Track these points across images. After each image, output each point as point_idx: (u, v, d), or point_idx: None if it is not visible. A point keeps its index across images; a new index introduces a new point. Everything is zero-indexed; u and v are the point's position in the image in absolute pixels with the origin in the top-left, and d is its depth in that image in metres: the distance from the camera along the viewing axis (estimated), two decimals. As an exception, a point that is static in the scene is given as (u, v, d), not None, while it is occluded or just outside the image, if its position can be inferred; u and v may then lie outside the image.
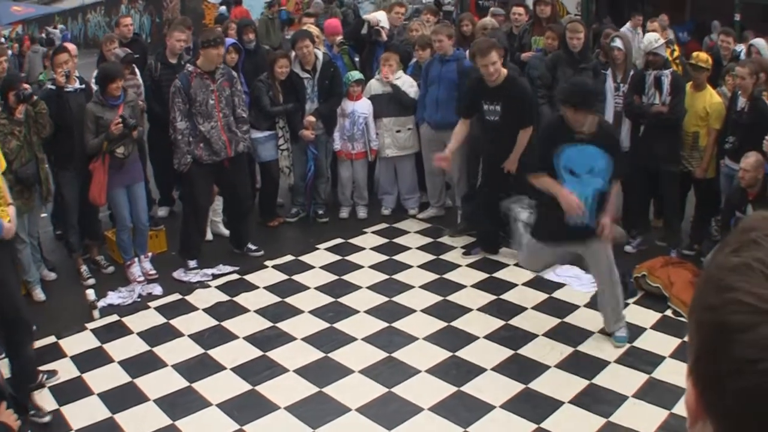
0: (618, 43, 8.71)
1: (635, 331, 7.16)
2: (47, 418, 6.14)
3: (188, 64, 8.77)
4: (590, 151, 6.44)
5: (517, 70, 9.19)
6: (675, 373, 6.37)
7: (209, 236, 9.85)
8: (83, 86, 8.60)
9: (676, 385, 6.18)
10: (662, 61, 8.35)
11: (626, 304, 7.52)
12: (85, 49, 29.34)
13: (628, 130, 8.76)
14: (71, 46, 9.20)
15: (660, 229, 9.17)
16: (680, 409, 5.84)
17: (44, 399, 6.34)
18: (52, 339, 7.47)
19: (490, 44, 8.25)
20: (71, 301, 8.22)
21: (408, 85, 10.01)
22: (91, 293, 8.00)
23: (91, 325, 7.75)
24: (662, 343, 6.94)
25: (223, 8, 19.16)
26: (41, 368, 6.74)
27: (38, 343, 7.19)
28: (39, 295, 8.27)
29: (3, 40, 26.81)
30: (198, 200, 8.87)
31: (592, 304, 7.65)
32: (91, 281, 8.66)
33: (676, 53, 9.16)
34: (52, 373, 6.72)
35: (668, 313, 7.49)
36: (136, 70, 9.63)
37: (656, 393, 6.14)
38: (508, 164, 8.30)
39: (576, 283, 8.23)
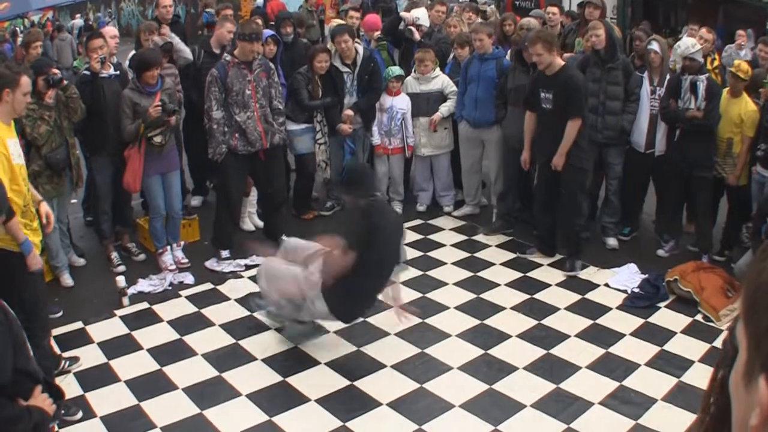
0: (654, 46, 8.67)
1: (666, 334, 7.21)
2: (78, 415, 6.10)
3: (226, 54, 8.84)
4: None
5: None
6: (704, 378, 6.27)
7: (250, 227, 9.97)
8: (118, 72, 8.61)
9: (705, 390, 6.21)
10: (698, 66, 8.34)
11: (657, 308, 7.63)
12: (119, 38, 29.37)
13: (663, 134, 8.76)
14: (111, 30, 9.20)
15: (692, 234, 9.16)
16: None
17: (69, 386, 6.33)
18: (79, 325, 7.51)
19: (536, 36, 8.32)
20: (100, 288, 8.26)
21: (445, 83, 10.06)
22: (121, 280, 8.03)
23: (120, 312, 7.79)
24: (692, 348, 6.95)
25: (259, 0, 19.14)
26: (65, 354, 6.79)
27: (64, 329, 7.30)
28: (67, 280, 8.29)
29: (31, 25, 26.81)
30: (231, 190, 8.93)
31: (625, 306, 7.75)
32: (122, 268, 8.70)
33: (716, 62, 9.13)
34: (75, 360, 6.75)
35: (698, 318, 7.51)
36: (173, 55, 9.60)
37: (685, 397, 6.16)
38: (554, 160, 8.29)
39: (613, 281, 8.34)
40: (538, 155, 8.76)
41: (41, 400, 3.68)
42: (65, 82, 7.71)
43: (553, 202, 8.68)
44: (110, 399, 6.25)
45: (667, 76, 8.68)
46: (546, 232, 9.02)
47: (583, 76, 8.45)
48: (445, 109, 10.00)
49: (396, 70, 10.14)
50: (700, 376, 6.43)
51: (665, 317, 7.56)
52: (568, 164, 8.28)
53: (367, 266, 6.29)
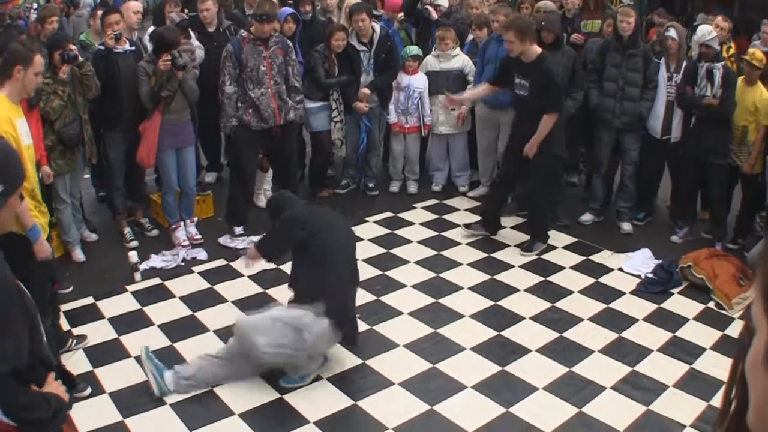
0: (672, 32, 8.67)
1: (678, 321, 7.23)
2: (87, 391, 6.09)
3: (242, 30, 8.82)
4: None
5: (572, 53, 9.20)
6: (715, 365, 6.43)
7: (264, 204, 9.90)
8: (133, 48, 8.58)
9: (716, 378, 6.23)
10: (714, 53, 8.31)
11: (670, 294, 7.65)
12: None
13: (679, 121, 8.76)
14: (135, 5, 9.14)
15: (706, 222, 9.18)
16: (718, 401, 5.91)
17: (77, 362, 6.36)
18: (89, 300, 7.50)
19: (509, 23, 8.34)
20: (112, 263, 8.24)
21: (465, 62, 10.04)
22: (133, 255, 8.02)
23: (131, 288, 7.79)
24: (704, 335, 6.98)
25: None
26: (74, 331, 6.80)
27: (75, 304, 7.28)
28: (78, 255, 8.27)
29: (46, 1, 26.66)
30: (244, 166, 8.93)
31: (638, 291, 7.76)
32: (134, 244, 8.69)
33: (732, 50, 9.11)
34: (82, 338, 6.72)
35: (711, 305, 7.52)
36: (192, 34, 9.54)
37: (696, 384, 6.19)
38: (526, 147, 8.32)
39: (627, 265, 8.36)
40: (511, 137, 8.81)
41: (55, 387, 3.55)
42: (81, 58, 7.69)
43: (510, 185, 8.92)
44: (120, 375, 6.26)
45: (684, 63, 8.68)
46: (493, 209, 9.08)
47: (556, 71, 8.47)
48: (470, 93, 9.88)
49: (413, 49, 10.14)
50: (711, 364, 6.47)
51: (678, 303, 7.58)
52: (540, 151, 8.32)
53: (313, 257, 6.22)
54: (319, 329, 5.93)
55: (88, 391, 6.06)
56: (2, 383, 3.37)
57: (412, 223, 9.49)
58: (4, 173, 3.52)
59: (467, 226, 9.11)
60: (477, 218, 9.26)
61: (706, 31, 8.41)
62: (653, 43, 9.34)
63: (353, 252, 6.66)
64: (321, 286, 6.10)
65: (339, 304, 6.15)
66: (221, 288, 7.83)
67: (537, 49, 8.23)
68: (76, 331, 6.83)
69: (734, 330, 7.05)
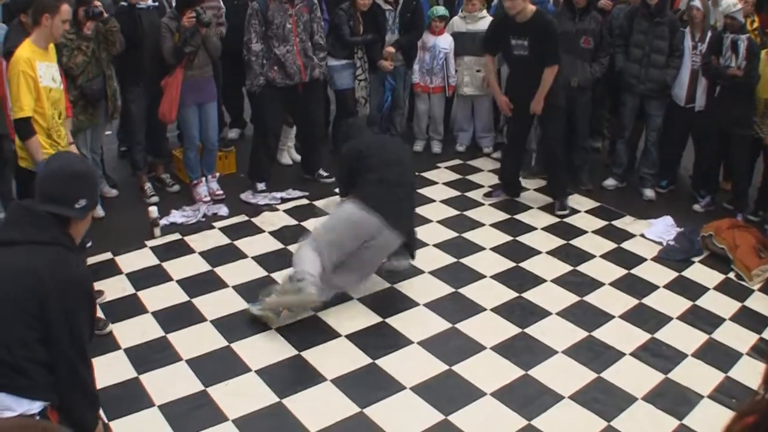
0: (696, 2, 8.63)
1: (698, 290, 7.22)
2: (108, 329, 6.21)
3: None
4: None
5: (599, 18, 9.14)
6: (734, 336, 6.46)
7: (288, 161, 10.00)
8: (156, 3, 8.52)
9: (734, 349, 6.27)
10: (739, 25, 8.27)
11: (692, 262, 7.63)
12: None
13: (704, 90, 8.71)
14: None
15: (728, 192, 9.15)
16: (736, 373, 5.97)
17: None
18: (108, 255, 7.48)
19: None
20: (132, 219, 8.23)
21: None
22: (153, 210, 8.02)
23: (150, 243, 7.79)
24: (723, 305, 6.97)
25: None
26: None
27: (93, 259, 7.21)
28: (98, 211, 8.08)
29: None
30: (268, 122, 8.92)
31: (660, 257, 7.77)
32: (155, 199, 8.67)
33: (756, 24, 9.05)
34: (99, 294, 6.56)
35: (731, 275, 7.50)
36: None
37: (714, 354, 6.20)
38: (533, 106, 8.38)
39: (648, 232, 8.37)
40: (512, 99, 8.75)
41: None
42: (105, 15, 7.65)
43: (522, 146, 8.93)
44: (136, 330, 6.27)
45: (709, 33, 8.63)
46: (511, 174, 9.11)
47: (553, 20, 8.51)
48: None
49: (440, 9, 10.07)
50: (730, 335, 6.49)
51: (699, 272, 7.57)
52: (547, 105, 8.38)
53: (367, 178, 6.55)
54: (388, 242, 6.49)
55: (109, 328, 6.21)
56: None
57: (435, 183, 9.47)
58: (89, 189, 3.88)
59: (487, 195, 9.12)
60: (498, 181, 9.28)
61: (732, 2, 8.34)
62: (681, 13, 9.27)
63: (410, 173, 7.03)
64: (377, 202, 6.37)
65: (387, 212, 6.39)
66: (242, 243, 7.83)
67: (532, 7, 8.21)
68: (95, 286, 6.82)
69: (753, 302, 7.06)
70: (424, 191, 9.08)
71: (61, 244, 3.65)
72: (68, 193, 3.73)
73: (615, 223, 8.55)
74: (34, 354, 3.50)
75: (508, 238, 8.10)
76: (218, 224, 8.25)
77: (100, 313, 6.13)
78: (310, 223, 8.20)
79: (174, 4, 8.42)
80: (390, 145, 7.25)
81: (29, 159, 6.26)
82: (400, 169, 6.75)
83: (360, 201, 6.40)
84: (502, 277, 7.27)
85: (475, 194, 9.15)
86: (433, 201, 8.91)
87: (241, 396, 5.51)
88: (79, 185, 3.81)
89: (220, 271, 7.28)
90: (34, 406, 3.54)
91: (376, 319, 6.52)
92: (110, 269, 7.24)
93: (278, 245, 7.82)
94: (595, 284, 7.22)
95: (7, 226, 3.76)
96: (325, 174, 9.41)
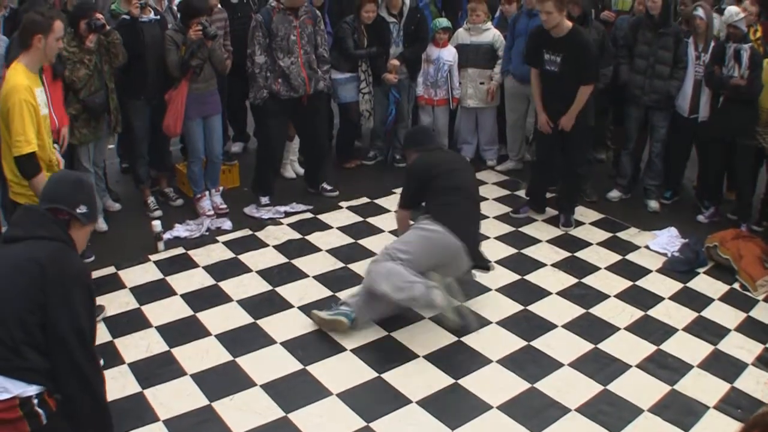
0: (700, 12, 8.64)
1: (704, 300, 7.21)
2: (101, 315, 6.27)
3: (271, 0, 8.75)
4: None
5: (602, 29, 9.16)
6: (739, 347, 6.45)
7: (291, 174, 10.00)
8: (158, 17, 8.51)
9: (740, 360, 6.26)
10: (741, 34, 8.29)
11: (696, 273, 7.64)
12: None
13: (707, 100, 8.73)
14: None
15: (732, 202, 9.15)
16: (742, 383, 5.96)
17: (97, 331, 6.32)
18: (111, 270, 7.47)
19: None
20: (135, 233, 8.24)
21: (496, 36, 9.99)
22: (157, 224, 8.01)
23: (154, 257, 7.78)
24: (729, 316, 6.97)
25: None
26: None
27: (96, 273, 7.14)
28: (101, 225, 8.16)
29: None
30: (272, 136, 8.93)
31: (664, 269, 7.76)
32: (158, 213, 8.67)
33: (759, 33, 9.06)
34: (100, 309, 6.56)
35: (736, 286, 7.50)
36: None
37: (720, 365, 6.18)
38: (563, 121, 8.32)
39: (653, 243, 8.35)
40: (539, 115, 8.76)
41: None
42: (108, 27, 7.64)
43: (552, 163, 8.77)
44: (140, 345, 6.25)
45: (712, 43, 8.65)
46: (539, 191, 9.07)
47: (590, 37, 8.44)
48: (497, 76, 9.99)
49: (443, 21, 10.07)
50: (736, 346, 6.48)
51: (703, 283, 7.56)
52: (576, 123, 8.32)
53: (441, 199, 6.58)
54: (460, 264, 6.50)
55: (104, 314, 6.32)
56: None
57: (439, 196, 9.42)
58: (90, 199, 4.01)
59: (514, 212, 9.07)
60: (503, 192, 9.41)
61: (734, 11, 8.36)
62: (679, 22, 9.29)
63: (475, 190, 7.09)
64: (457, 227, 6.38)
65: (461, 235, 6.38)
66: (246, 258, 7.82)
67: (568, 23, 8.15)
68: (97, 301, 6.81)
69: (758, 312, 7.05)
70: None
71: (62, 241, 3.78)
72: (71, 196, 3.90)
73: (620, 234, 8.55)
74: (34, 339, 3.58)
75: (513, 251, 8.09)
76: (222, 238, 8.24)
77: (102, 338, 6.11)
78: (314, 237, 8.26)
79: (179, 16, 8.43)
80: (459, 162, 7.25)
81: (26, 195, 5.96)
82: (473, 191, 6.91)
83: (441, 224, 6.39)
84: (507, 290, 7.26)
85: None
86: (438, 214, 8.85)
87: (247, 410, 5.50)
88: (82, 192, 3.99)
89: (224, 285, 7.27)
90: (30, 389, 3.61)
91: (381, 333, 6.50)
92: (113, 283, 7.23)
93: (282, 259, 7.80)
94: (600, 296, 7.21)
95: (11, 226, 3.93)
96: (328, 187, 9.43)
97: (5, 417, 3.56)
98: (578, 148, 8.56)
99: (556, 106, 8.37)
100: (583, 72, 8.10)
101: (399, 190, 9.05)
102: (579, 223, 8.78)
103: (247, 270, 7.58)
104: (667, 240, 8.34)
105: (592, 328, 6.66)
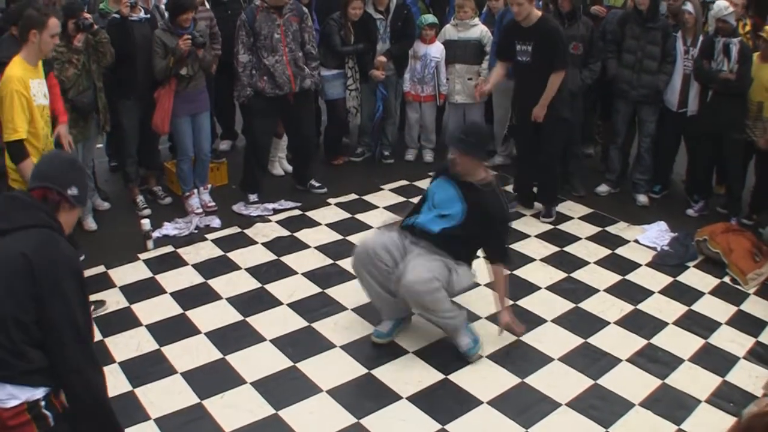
0: (688, 6, 8.65)
1: (694, 294, 7.22)
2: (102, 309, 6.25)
3: (256, -1, 8.75)
4: None
5: (590, 24, 9.16)
6: (730, 341, 6.46)
7: (279, 172, 9.98)
8: (148, 16, 8.47)
9: (731, 353, 6.27)
10: (731, 29, 8.29)
11: (686, 267, 7.68)
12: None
13: (696, 94, 8.75)
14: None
15: (721, 196, 9.17)
16: (733, 377, 5.97)
17: None
18: (101, 269, 7.45)
19: None
20: (124, 232, 8.20)
21: (483, 32, 9.94)
22: (146, 223, 7.99)
23: (143, 256, 7.76)
24: (719, 310, 6.98)
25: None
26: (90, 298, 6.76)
27: (86, 273, 6.79)
28: (90, 224, 8.21)
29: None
30: (258, 133, 8.92)
31: (654, 263, 7.76)
32: (147, 212, 8.63)
33: (747, 27, 9.07)
34: (101, 304, 6.69)
35: (726, 279, 7.51)
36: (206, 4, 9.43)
37: (711, 359, 6.19)
38: (535, 111, 8.33)
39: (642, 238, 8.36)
40: (515, 107, 8.83)
41: None
42: (96, 26, 7.62)
43: (532, 155, 8.74)
44: (130, 344, 6.23)
45: (701, 37, 8.65)
46: (526, 186, 9.10)
47: (559, 25, 8.46)
48: (485, 72, 9.89)
49: (430, 17, 10.06)
50: (726, 339, 6.50)
51: (694, 277, 7.57)
52: (549, 114, 8.32)
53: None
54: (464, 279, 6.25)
55: (104, 308, 6.34)
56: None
57: (427, 192, 9.40)
58: (82, 181, 3.95)
59: None
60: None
61: (723, 6, 8.36)
62: (666, 16, 9.28)
63: None
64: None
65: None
66: (235, 255, 7.81)
67: (537, 12, 8.22)
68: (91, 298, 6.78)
69: (749, 306, 7.07)
70: (417, 200, 8.95)
71: (50, 227, 3.71)
72: (63, 176, 3.84)
73: (609, 229, 8.56)
74: (32, 337, 3.53)
75: (502, 246, 8.05)
76: (211, 236, 8.23)
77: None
78: (302, 234, 8.26)
79: (167, 15, 8.40)
80: None
81: (21, 181, 6.13)
82: None
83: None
84: (497, 285, 7.23)
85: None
86: (426, 210, 8.83)
87: (237, 408, 5.48)
88: (74, 173, 3.93)
89: (213, 283, 7.25)
90: (37, 392, 3.58)
91: (370, 329, 6.45)
92: (103, 282, 7.20)
93: (271, 256, 7.79)
94: (590, 291, 7.21)
95: None
96: (317, 184, 9.41)
97: (14, 423, 3.54)
98: (552, 141, 8.53)
99: (529, 100, 8.39)
100: (554, 59, 8.11)
101: (387, 187, 9.17)
102: (568, 218, 8.80)
103: (236, 267, 7.57)
104: (657, 234, 8.34)
105: (582, 323, 6.65)
